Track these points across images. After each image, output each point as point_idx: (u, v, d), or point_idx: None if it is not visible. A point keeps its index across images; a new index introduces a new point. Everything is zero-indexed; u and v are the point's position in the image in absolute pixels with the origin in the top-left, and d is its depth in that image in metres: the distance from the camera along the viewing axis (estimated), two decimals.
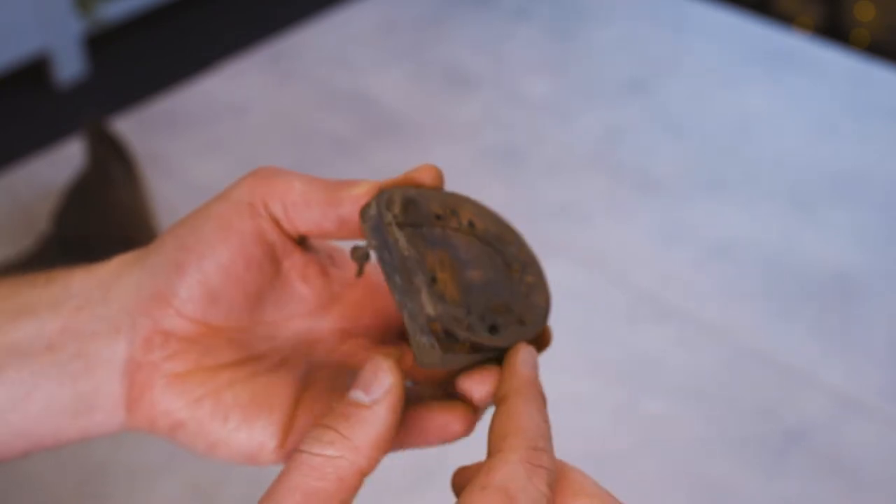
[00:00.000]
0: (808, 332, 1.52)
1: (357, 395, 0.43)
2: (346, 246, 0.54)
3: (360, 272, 0.49)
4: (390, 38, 2.12)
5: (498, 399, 0.45)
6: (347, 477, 0.41)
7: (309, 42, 2.10)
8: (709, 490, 1.32)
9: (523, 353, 0.47)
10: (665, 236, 1.68)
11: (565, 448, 1.38)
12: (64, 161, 1.77)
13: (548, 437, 0.44)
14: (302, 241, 0.51)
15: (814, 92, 1.99)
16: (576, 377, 1.45)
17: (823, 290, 1.59)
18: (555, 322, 1.53)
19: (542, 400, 0.46)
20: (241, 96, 1.94)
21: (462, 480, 0.48)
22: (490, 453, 0.42)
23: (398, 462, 1.28)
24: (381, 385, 0.43)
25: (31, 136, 1.88)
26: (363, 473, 0.41)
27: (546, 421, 0.44)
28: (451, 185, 1.75)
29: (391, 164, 1.78)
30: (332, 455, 0.40)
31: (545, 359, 1.49)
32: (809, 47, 2.11)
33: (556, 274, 1.60)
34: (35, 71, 2.02)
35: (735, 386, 1.44)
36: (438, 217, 0.48)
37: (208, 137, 1.84)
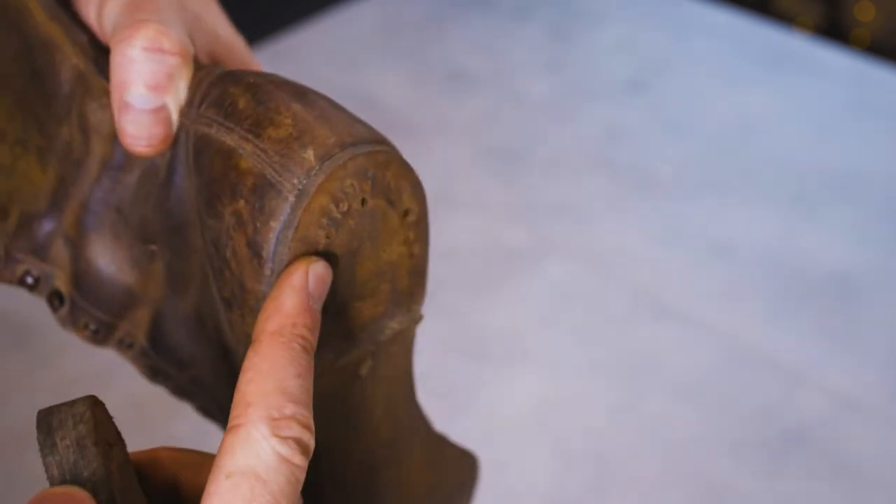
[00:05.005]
0: (808, 332, 1.52)
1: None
2: None
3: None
4: (390, 38, 2.13)
5: (252, 343, 0.38)
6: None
7: (309, 42, 2.10)
8: (709, 490, 1.32)
9: (297, 276, 0.39)
10: (665, 236, 1.68)
11: (566, 448, 1.38)
12: None
13: (299, 397, 0.36)
14: None
15: (814, 92, 1.99)
16: (576, 377, 1.45)
17: (824, 290, 1.59)
18: (555, 322, 1.53)
19: (303, 345, 0.38)
20: None
21: (173, 461, 0.42)
22: (230, 427, 0.36)
23: None
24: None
25: None
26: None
27: (300, 374, 0.37)
28: (451, 185, 1.75)
29: None
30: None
31: (545, 359, 1.49)
32: (809, 47, 2.11)
33: (556, 274, 1.60)
34: None
35: (735, 386, 1.44)
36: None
37: None
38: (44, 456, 0.37)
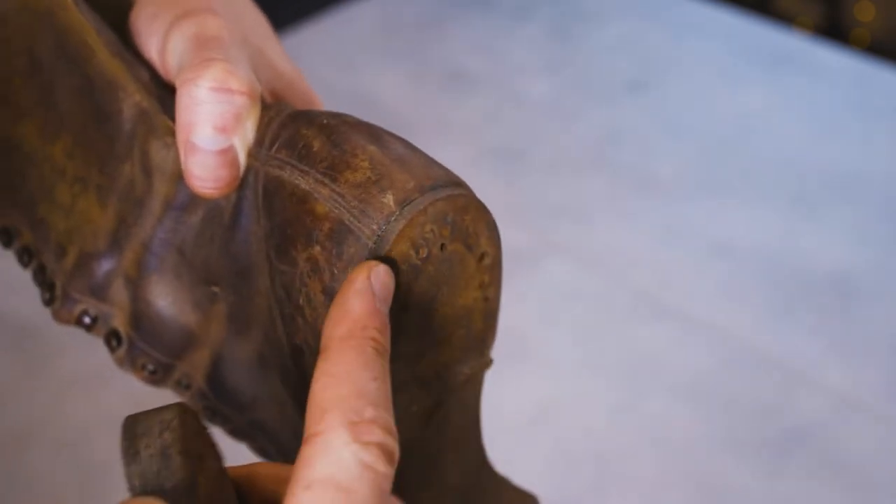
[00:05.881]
0: (808, 332, 1.52)
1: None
2: None
3: None
4: (390, 38, 2.13)
5: (320, 350, 0.36)
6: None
7: (308, 42, 2.10)
8: (709, 490, 1.32)
9: (360, 280, 0.37)
10: (665, 236, 1.68)
11: (566, 448, 1.38)
12: None
13: (378, 400, 0.34)
14: None
15: (814, 92, 1.99)
16: (576, 377, 1.45)
17: (824, 290, 1.59)
18: (555, 322, 1.53)
19: (375, 347, 0.36)
20: None
21: (273, 478, 0.40)
22: (306, 438, 0.34)
23: None
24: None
25: None
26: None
27: (376, 378, 0.35)
28: None
29: None
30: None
31: (545, 359, 1.49)
32: (809, 47, 2.11)
33: (556, 274, 1.60)
34: None
35: (735, 386, 1.44)
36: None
37: None
38: (126, 465, 0.35)
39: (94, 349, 1.59)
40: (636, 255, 1.64)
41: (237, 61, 0.41)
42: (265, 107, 0.42)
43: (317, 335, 0.40)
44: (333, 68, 2.02)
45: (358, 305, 0.36)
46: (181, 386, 0.46)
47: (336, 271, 0.38)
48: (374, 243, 0.38)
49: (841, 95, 1.98)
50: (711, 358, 1.48)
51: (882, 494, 1.31)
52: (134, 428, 0.35)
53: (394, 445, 0.34)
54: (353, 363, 0.35)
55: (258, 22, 0.48)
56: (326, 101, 0.50)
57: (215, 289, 0.44)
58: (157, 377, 0.46)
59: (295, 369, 0.42)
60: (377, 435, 0.33)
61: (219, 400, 0.46)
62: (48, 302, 0.45)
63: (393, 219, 0.38)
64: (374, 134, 0.40)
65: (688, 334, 1.51)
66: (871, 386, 1.45)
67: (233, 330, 0.45)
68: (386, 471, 0.33)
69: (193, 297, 0.44)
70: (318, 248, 0.39)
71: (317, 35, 2.12)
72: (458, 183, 0.40)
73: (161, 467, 0.34)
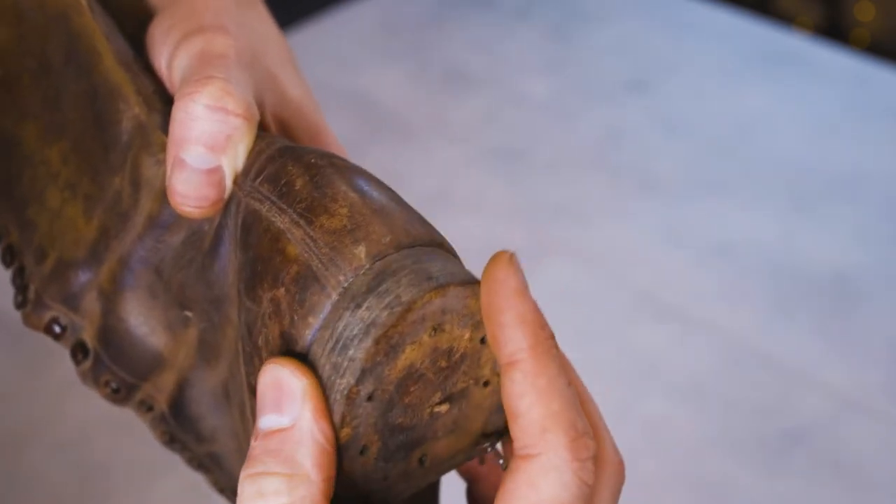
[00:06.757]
0: (808, 332, 1.52)
1: (270, 421, 0.35)
2: None
3: None
4: (390, 38, 2.13)
5: (505, 363, 0.35)
6: None
7: (308, 42, 2.10)
8: (709, 490, 1.32)
9: (514, 278, 0.35)
10: (665, 236, 1.68)
11: None
12: None
13: (576, 404, 0.35)
14: None
15: (813, 92, 1.99)
16: None
17: (823, 290, 1.59)
18: (555, 322, 1.53)
19: (554, 344, 0.36)
20: None
21: (486, 495, 0.40)
22: (523, 453, 0.34)
23: None
24: (292, 396, 0.35)
25: None
26: (327, 496, 0.35)
27: (570, 380, 0.36)
28: (451, 185, 1.75)
29: (391, 163, 1.78)
30: (286, 502, 0.34)
31: None
32: (809, 47, 2.11)
33: (556, 274, 1.60)
34: None
35: (735, 386, 1.44)
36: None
37: None
38: None
39: None
40: (636, 255, 1.64)
41: (238, 82, 0.41)
42: (259, 136, 0.41)
43: None
44: (333, 68, 2.02)
45: (526, 306, 0.36)
46: (143, 407, 0.45)
47: (296, 318, 0.36)
48: (339, 295, 0.36)
49: (841, 95, 1.98)
50: (711, 358, 1.48)
51: (882, 494, 1.31)
52: None
53: (595, 447, 0.35)
54: (552, 371, 0.35)
55: (278, 46, 0.47)
56: (326, 101, 0.50)
57: (189, 313, 0.43)
58: (119, 396, 0.45)
59: (251, 411, 0.40)
60: (590, 448, 0.35)
61: (179, 427, 0.45)
62: (20, 305, 0.45)
63: (361, 272, 0.36)
64: (360, 180, 0.39)
65: (688, 334, 1.51)
66: (871, 386, 1.45)
67: (201, 357, 0.44)
68: (592, 482, 0.35)
69: (166, 318, 0.43)
70: (282, 290, 0.37)
71: (317, 35, 2.12)
72: (439, 243, 0.38)
73: None
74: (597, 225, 1.70)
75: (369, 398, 0.36)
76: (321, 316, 0.36)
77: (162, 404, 0.45)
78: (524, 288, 0.36)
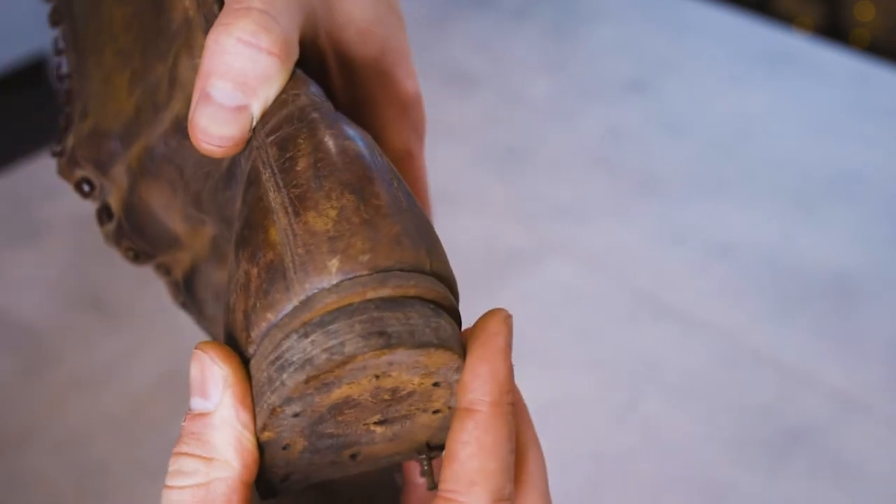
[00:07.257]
0: (808, 332, 1.52)
1: (196, 403, 0.36)
2: None
3: None
4: None
5: (463, 407, 0.36)
6: (230, 493, 0.35)
7: None
8: (709, 490, 1.32)
9: (504, 337, 0.37)
10: (665, 236, 1.68)
11: (566, 448, 1.38)
12: None
13: (512, 473, 0.36)
14: None
15: (814, 92, 1.99)
16: (576, 377, 1.45)
17: (823, 290, 1.59)
18: (555, 322, 1.53)
19: (511, 412, 0.37)
20: None
21: None
22: (448, 496, 0.35)
23: None
24: (214, 382, 0.36)
25: (31, 136, 1.88)
26: (246, 481, 0.35)
27: (513, 450, 0.36)
28: (451, 185, 1.75)
29: None
30: (203, 482, 0.35)
31: (545, 359, 1.49)
32: (809, 47, 2.11)
33: (556, 274, 1.60)
34: (35, 71, 2.02)
35: (735, 386, 1.44)
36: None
37: None
38: None
39: (93, 350, 1.60)
40: (636, 255, 1.64)
41: (280, 13, 0.38)
42: (292, 78, 0.38)
43: (230, 338, 0.37)
44: None
45: (503, 367, 0.37)
46: (161, 269, 0.46)
47: (258, 305, 0.36)
48: (300, 302, 0.35)
49: (841, 95, 1.98)
50: (711, 358, 1.48)
51: (882, 494, 1.31)
52: None
53: None
54: (501, 434, 0.36)
55: None
56: None
57: (205, 217, 0.42)
58: (139, 260, 0.45)
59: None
60: None
61: (190, 300, 0.46)
62: (57, 154, 0.45)
63: (325, 287, 0.35)
64: (365, 180, 0.36)
65: (688, 334, 1.51)
66: (871, 386, 1.45)
67: (214, 254, 0.43)
68: None
69: (186, 212, 0.43)
70: (255, 270, 0.36)
71: None
72: (420, 271, 0.36)
73: None
74: (597, 225, 1.70)
75: (295, 416, 0.35)
76: (279, 315, 0.35)
77: (177, 274, 0.46)
78: (508, 349, 0.38)
